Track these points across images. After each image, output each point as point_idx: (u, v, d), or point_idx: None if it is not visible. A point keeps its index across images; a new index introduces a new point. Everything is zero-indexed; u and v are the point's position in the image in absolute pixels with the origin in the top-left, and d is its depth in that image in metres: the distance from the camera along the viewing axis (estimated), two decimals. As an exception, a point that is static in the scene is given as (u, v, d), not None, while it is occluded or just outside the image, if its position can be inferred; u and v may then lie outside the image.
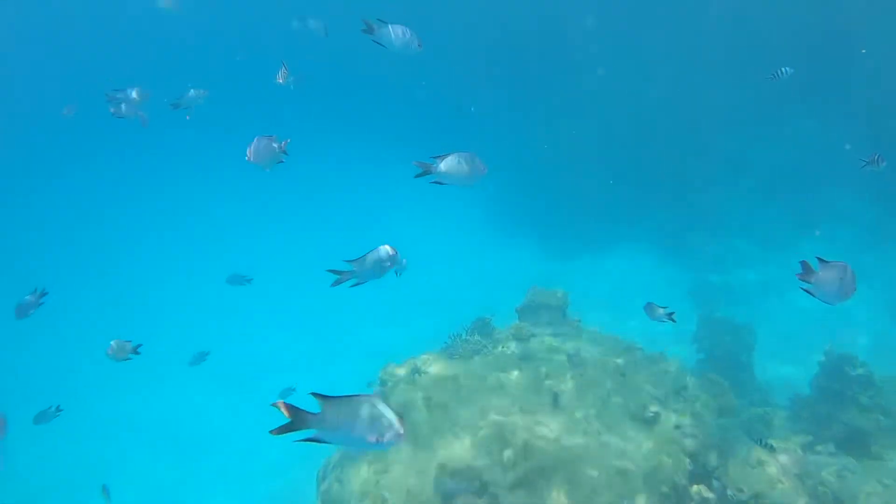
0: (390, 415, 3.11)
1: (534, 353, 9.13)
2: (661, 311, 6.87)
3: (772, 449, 7.02)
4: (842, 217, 17.96)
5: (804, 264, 4.53)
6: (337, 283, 5.04)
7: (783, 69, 9.31)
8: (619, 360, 9.00)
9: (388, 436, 3.12)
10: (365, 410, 3.07)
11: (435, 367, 8.71)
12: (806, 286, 4.54)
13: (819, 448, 8.01)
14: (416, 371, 8.63)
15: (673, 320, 6.86)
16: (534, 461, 7.40)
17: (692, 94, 19.63)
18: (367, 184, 24.13)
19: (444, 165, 4.91)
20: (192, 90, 9.21)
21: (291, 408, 2.95)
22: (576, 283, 13.49)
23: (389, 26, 5.59)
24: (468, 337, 9.54)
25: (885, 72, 17.44)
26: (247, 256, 19.85)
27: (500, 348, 9.27)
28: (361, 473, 7.44)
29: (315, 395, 3.01)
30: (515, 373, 8.67)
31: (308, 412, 3.00)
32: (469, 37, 24.00)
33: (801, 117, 19.57)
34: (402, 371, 8.68)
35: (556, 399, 8.30)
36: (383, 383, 8.63)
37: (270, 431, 2.94)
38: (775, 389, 10.86)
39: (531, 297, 10.38)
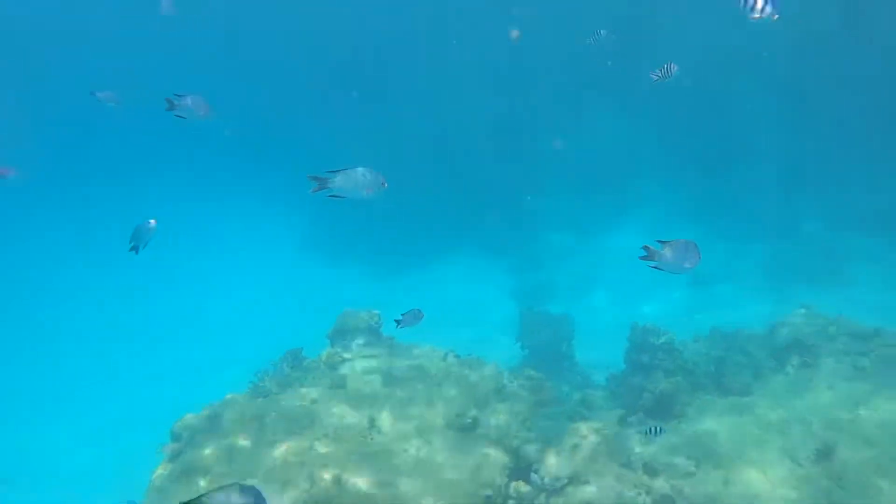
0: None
1: (346, 379, 8.69)
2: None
3: (647, 432, 6.97)
4: (647, 202, 19.10)
5: (646, 248, 4.93)
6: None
7: (600, 31, 9.51)
8: (435, 372, 8.83)
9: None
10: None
11: (238, 411, 8.01)
12: (654, 264, 4.95)
13: (631, 419, 8.15)
14: (216, 417, 7.89)
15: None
16: (350, 490, 6.94)
17: (499, 98, 20.19)
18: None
19: (343, 180, 4.91)
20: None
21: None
22: (400, 300, 13.16)
23: (188, 98, 6.23)
24: (277, 371, 8.94)
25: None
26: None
27: (311, 378, 8.74)
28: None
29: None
30: (328, 402, 8.18)
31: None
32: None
33: (602, 114, 20.61)
34: (199, 420, 7.89)
35: (371, 422, 7.92)
36: (177, 439, 7.77)
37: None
38: (596, 371, 11.08)
39: (342, 320, 9.95)
